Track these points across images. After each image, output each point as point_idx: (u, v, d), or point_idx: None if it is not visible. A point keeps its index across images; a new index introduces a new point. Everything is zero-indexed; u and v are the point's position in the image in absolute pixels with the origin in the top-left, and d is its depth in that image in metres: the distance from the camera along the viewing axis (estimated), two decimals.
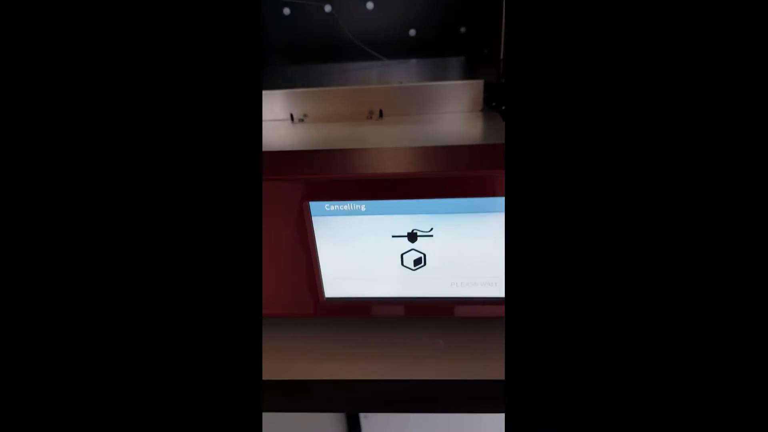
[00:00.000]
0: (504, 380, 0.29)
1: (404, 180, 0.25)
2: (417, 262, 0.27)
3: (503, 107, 0.40)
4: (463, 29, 0.57)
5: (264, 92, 0.45)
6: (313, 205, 0.26)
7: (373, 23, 0.57)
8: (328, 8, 0.56)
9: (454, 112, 0.39)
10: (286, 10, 0.56)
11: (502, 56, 0.45)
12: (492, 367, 0.27)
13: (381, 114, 0.40)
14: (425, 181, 0.25)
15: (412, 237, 0.26)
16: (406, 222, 0.26)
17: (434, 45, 0.58)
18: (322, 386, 0.28)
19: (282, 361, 0.30)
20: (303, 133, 0.35)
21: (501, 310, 0.28)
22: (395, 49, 0.57)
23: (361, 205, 0.25)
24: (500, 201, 0.25)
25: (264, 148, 0.31)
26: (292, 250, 0.28)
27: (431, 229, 0.26)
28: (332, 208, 0.26)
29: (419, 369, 0.28)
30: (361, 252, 0.27)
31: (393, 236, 0.26)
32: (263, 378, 0.28)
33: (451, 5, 0.57)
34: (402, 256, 0.27)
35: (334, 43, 0.57)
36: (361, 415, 0.92)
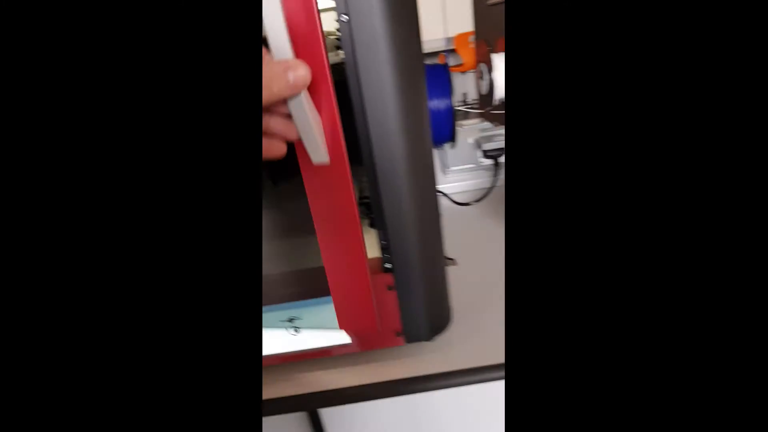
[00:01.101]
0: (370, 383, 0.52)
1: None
2: (296, 331, 0.52)
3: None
4: None
5: None
6: None
7: None
8: None
9: None
10: None
11: None
12: (346, 379, 0.52)
13: None
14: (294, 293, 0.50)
15: (291, 320, 0.51)
16: (286, 313, 0.51)
17: None
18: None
19: None
20: None
21: (339, 350, 0.53)
22: None
23: (265, 308, 0.51)
24: (326, 298, 0.50)
25: None
26: None
27: (299, 317, 0.51)
28: None
29: (305, 387, 0.53)
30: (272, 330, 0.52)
31: (280, 321, 0.51)
32: None
33: None
34: (287, 329, 0.52)
35: None
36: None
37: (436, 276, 0.55)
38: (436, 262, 0.54)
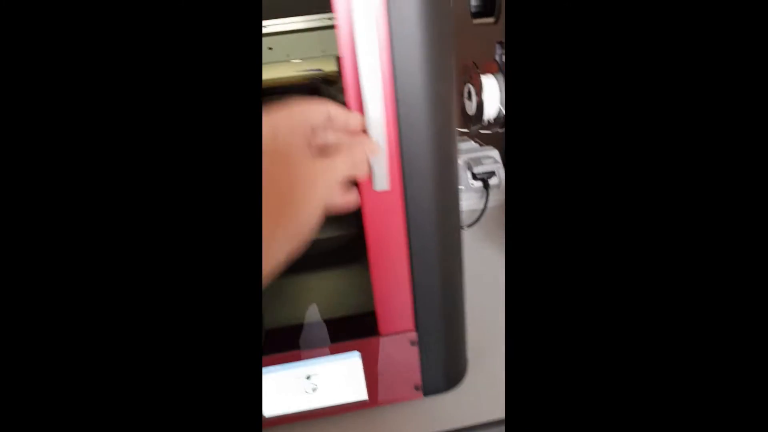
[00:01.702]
0: None
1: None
2: (313, 389, 0.48)
3: None
4: None
5: None
6: None
7: None
8: None
9: None
10: None
11: None
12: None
13: None
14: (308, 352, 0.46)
15: (308, 377, 0.47)
16: (303, 371, 0.47)
17: None
18: None
19: None
20: None
21: (355, 407, 0.49)
22: None
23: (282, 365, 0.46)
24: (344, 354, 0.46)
25: None
26: None
27: (310, 375, 0.47)
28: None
29: None
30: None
31: (307, 377, 0.47)
32: None
33: None
34: (304, 387, 0.48)
35: None
36: None
37: (457, 321, 0.52)
38: (457, 306, 0.51)
